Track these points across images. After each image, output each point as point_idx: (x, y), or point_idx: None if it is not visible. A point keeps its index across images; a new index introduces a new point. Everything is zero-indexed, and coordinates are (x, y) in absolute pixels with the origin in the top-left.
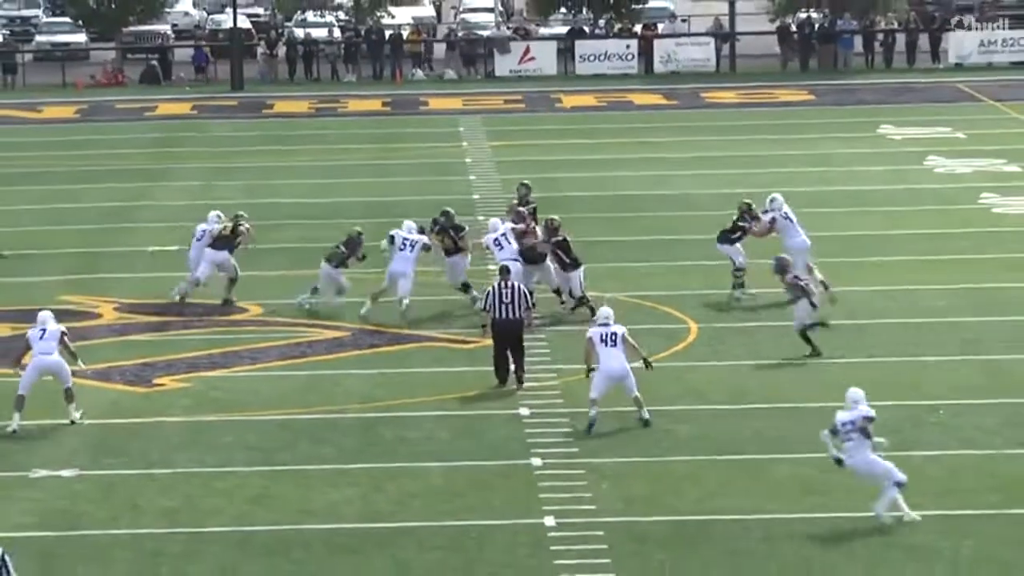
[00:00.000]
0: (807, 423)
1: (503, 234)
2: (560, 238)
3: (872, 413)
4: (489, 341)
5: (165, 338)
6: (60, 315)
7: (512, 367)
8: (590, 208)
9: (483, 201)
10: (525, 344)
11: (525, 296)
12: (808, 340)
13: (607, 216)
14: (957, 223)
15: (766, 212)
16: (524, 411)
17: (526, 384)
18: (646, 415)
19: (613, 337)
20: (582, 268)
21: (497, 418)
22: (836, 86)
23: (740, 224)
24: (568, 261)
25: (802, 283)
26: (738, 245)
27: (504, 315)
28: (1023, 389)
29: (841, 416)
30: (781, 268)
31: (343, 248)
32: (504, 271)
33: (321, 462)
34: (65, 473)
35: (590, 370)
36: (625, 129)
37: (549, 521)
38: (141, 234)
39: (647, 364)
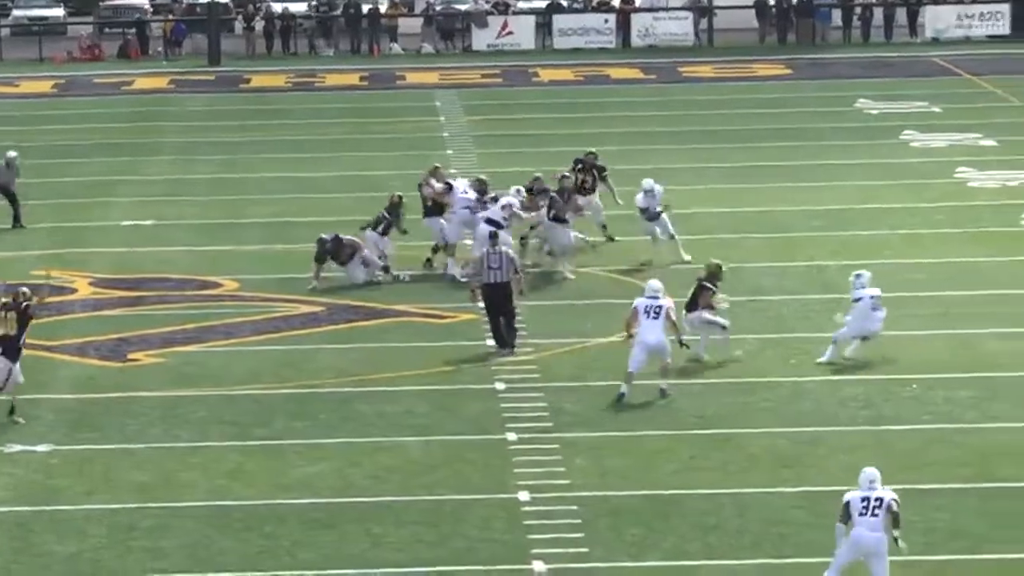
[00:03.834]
0: (781, 397)
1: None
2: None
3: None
4: (461, 316)
5: (140, 313)
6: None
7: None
8: None
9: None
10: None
11: (512, 261)
12: None
13: None
14: (933, 197)
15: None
16: (500, 386)
17: (502, 359)
18: (664, 385)
19: (657, 310)
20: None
21: (473, 392)
22: (813, 60)
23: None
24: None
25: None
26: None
27: (492, 280)
28: (996, 363)
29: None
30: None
31: (387, 214)
32: (493, 236)
33: (296, 437)
34: (40, 448)
35: (629, 336)
36: (602, 103)
37: (523, 496)
38: (117, 209)
39: (681, 343)
